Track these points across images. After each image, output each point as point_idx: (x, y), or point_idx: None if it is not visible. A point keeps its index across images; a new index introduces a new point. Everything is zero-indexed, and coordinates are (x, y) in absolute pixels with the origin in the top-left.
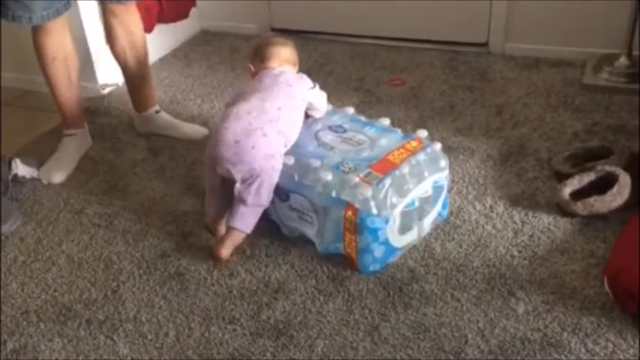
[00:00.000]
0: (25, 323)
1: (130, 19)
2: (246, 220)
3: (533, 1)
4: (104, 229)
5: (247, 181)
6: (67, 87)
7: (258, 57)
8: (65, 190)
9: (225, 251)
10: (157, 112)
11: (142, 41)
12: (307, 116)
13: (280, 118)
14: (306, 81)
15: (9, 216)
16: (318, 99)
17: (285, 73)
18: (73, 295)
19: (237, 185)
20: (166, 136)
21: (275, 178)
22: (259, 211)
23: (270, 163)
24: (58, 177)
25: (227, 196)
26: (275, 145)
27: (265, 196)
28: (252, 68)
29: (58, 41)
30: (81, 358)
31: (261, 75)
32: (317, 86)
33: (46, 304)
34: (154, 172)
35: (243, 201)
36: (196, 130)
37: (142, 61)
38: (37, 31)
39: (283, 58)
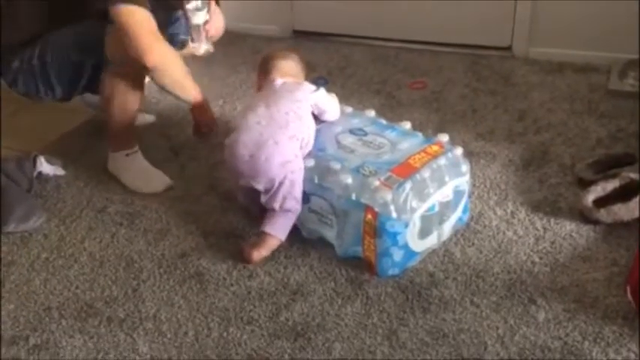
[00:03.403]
0: (47, 319)
1: None
2: (277, 225)
3: (558, 5)
4: (125, 227)
5: (270, 191)
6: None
7: (262, 70)
8: (88, 188)
9: (257, 255)
10: None
11: None
12: (321, 121)
13: (289, 123)
14: (306, 86)
15: (33, 213)
16: (323, 101)
17: (286, 83)
18: (94, 292)
19: (262, 196)
20: None
21: (297, 179)
22: (291, 216)
23: (288, 169)
24: (158, 186)
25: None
26: (288, 151)
27: (292, 200)
28: (258, 81)
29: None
30: (101, 355)
31: (264, 88)
32: (322, 89)
33: (68, 301)
34: (176, 171)
35: (272, 208)
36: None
37: None
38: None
39: (285, 71)
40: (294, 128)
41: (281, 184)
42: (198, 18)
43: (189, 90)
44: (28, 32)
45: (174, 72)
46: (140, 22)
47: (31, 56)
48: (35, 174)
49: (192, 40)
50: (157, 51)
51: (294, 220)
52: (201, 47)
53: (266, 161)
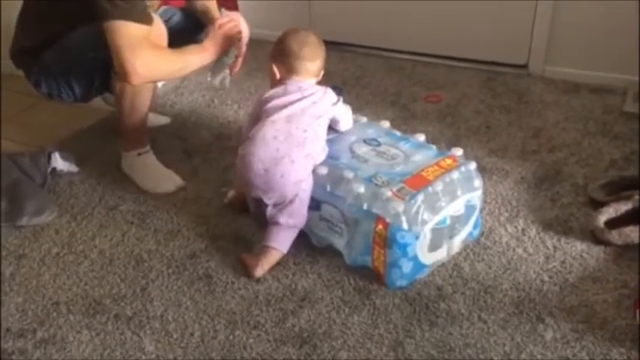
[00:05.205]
0: (55, 314)
1: None
2: (280, 238)
3: (576, 26)
4: (136, 226)
5: (279, 205)
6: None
7: (285, 64)
8: (100, 186)
9: (260, 270)
10: None
11: None
12: (332, 130)
13: (307, 141)
14: (330, 96)
15: (45, 207)
16: (341, 113)
17: (312, 87)
18: (103, 289)
19: (269, 209)
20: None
21: (306, 197)
22: (295, 230)
23: (300, 187)
24: (170, 186)
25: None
26: (303, 170)
27: (298, 216)
28: (277, 73)
29: None
30: (107, 351)
31: (286, 86)
32: (340, 100)
33: (77, 297)
34: (188, 173)
35: (276, 223)
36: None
37: None
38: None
39: (312, 72)
40: (310, 147)
41: (291, 201)
42: (227, 58)
43: (194, 59)
44: (45, 35)
45: (167, 72)
46: (123, 38)
47: (50, 57)
48: (49, 170)
49: (213, 73)
50: (139, 70)
51: (298, 232)
52: (217, 80)
53: (281, 178)
